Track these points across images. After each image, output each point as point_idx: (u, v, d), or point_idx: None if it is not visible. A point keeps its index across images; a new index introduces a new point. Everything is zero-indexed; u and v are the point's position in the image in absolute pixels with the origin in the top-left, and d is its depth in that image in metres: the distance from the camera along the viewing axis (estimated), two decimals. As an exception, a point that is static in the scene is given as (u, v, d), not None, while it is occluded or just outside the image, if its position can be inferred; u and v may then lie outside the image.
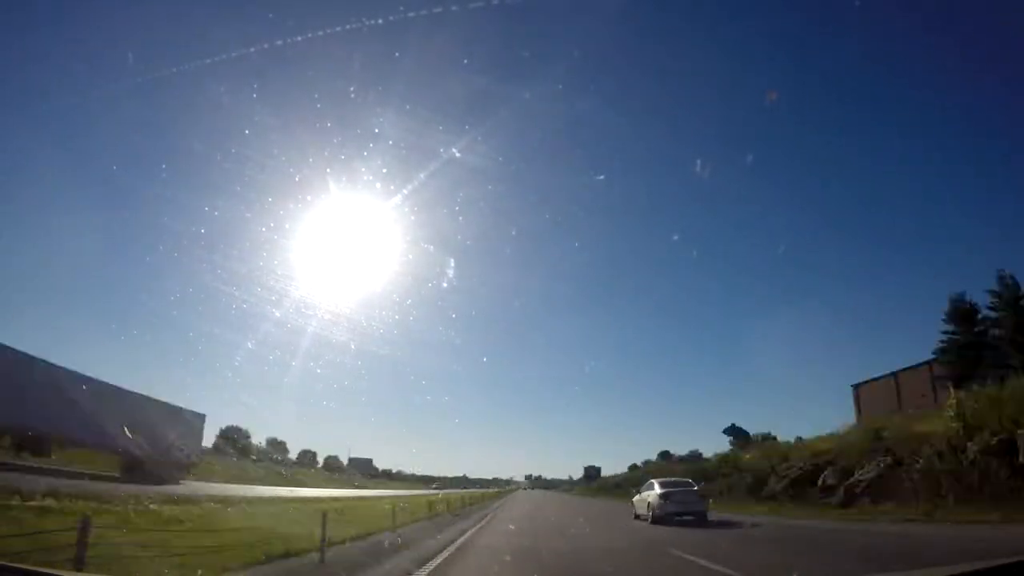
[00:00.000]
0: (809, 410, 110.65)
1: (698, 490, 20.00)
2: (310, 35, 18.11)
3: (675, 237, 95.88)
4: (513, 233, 68.34)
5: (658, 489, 19.07)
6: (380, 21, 16.72)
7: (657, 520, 17.89)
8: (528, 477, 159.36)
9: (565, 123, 58.28)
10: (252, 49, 18.61)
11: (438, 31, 32.60)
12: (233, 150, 29.94)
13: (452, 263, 32.77)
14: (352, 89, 25.70)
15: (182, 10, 43.31)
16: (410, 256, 26.89)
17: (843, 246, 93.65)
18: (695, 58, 62.62)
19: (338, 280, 31.51)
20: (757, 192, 78.46)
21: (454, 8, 18.59)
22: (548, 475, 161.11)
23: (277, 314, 23.91)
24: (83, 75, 47.57)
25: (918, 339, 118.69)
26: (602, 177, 72.10)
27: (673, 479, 21.75)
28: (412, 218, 26.83)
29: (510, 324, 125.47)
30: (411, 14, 17.46)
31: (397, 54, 25.87)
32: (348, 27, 16.76)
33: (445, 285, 32.77)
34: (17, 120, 45.68)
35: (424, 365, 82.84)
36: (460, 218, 38.83)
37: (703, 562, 8.67)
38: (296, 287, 26.57)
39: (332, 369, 46.93)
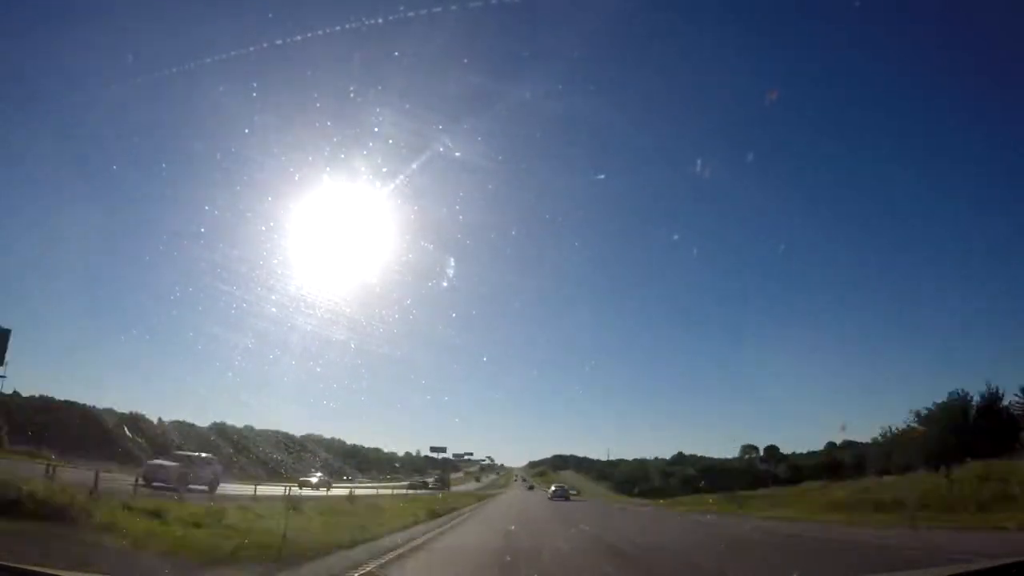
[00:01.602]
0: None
1: (568, 488, 60.85)
2: (310, 35, 18.08)
3: (675, 236, 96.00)
4: (513, 232, 68.49)
5: (553, 487, 58.65)
6: (379, 20, 16.77)
7: (552, 498, 50.85)
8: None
9: (565, 122, 58.28)
10: (252, 49, 18.61)
11: (437, 30, 32.55)
12: (233, 149, 30.03)
13: (452, 262, 32.95)
14: (351, 88, 25.68)
15: (182, 10, 43.30)
16: (410, 255, 27.04)
17: (842, 245, 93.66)
18: (695, 57, 62.69)
19: (338, 279, 31.66)
20: (757, 191, 78.51)
21: (453, 7, 18.66)
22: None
23: (278, 313, 24.04)
24: (83, 75, 47.55)
25: (919, 339, 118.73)
26: (602, 176, 72.20)
27: (561, 484, 64.72)
28: (411, 217, 26.96)
29: (510, 323, 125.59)
30: (411, 13, 17.52)
31: (396, 53, 25.82)
32: (348, 26, 16.81)
33: (445, 284, 32.89)
34: (17, 120, 45.64)
35: (424, 364, 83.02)
36: (460, 216, 38.76)
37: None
38: (296, 286, 26.69)
39: (332, 368, 47.03)
